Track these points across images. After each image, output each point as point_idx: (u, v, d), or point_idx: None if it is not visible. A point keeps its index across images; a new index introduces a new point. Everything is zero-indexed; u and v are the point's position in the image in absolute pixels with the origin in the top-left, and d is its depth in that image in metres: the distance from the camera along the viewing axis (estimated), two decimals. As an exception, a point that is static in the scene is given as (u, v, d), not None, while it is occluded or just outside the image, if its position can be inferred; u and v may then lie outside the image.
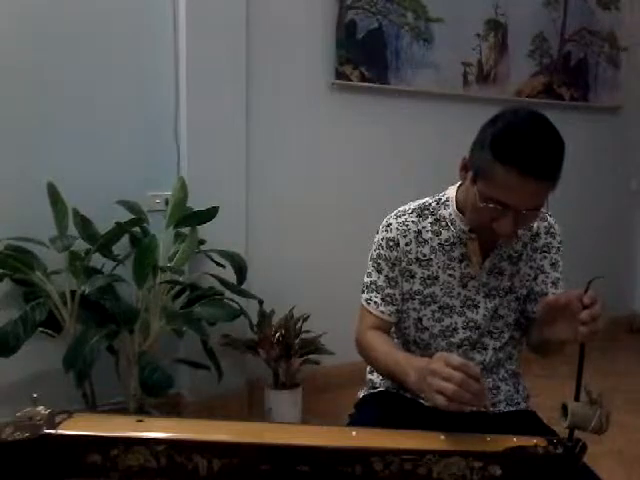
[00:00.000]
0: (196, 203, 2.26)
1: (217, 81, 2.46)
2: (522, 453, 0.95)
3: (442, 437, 1.00)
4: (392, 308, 1.39)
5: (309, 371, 2.53)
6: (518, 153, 1.13)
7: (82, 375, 1.91)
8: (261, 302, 2.42)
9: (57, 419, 0.96)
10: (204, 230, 2.25)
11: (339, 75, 2.76)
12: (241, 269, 2.32)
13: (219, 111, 2.46)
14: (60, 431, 0.94)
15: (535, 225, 1.39)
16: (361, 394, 1.54)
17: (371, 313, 1.40)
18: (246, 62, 2.52)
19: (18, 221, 2.15)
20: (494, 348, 1.40)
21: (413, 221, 1.38)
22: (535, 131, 1.16)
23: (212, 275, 2.31)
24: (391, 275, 1.38)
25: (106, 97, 2.33)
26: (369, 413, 1.44)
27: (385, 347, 1.32)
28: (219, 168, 2.48)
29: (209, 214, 2.18)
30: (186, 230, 2.23)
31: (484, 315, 1.38)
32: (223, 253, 2.32)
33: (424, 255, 1.37)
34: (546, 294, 1.39)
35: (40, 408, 0.97)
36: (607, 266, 3.57)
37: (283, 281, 2.64)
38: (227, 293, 2.29)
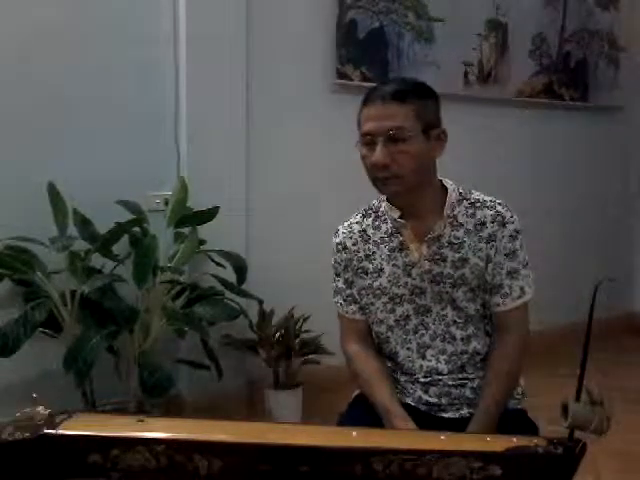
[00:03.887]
0: (196, 203, 2.25)
1: (217, 81, 2.46)
2: (522, 453, 0.95)
3: (442, 437, 1.00)
4: (354, 307, 1.49)
5: (309, 371, 2.53)
6: (372, 91, 1.37)
7: (82, 375, 1.91)
8: (261, 302, 2.42)
9: (57, 419, 0.96)
10: (204, 230, 2.25)
11: (340, 75, 2.76)
12: (241, 269, 2.32)
13: (219, 111, 2.46)
14: (60, 431, 0.94)
15: (480, 214, 1.38)
16: (355, 393, 1.55)
17: (340, 314, 1.52)
18: (246, 62, 2.52)
19: (18, 221, 2.15)
20: (462, 338, 1.41)
21: (357, 222, 1.49)
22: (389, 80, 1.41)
23: (212, 275, 2.30)
24: (346, 276, 1.48)
25: (106, 97, 2.33)
26: (359, 412, 1.45)
27: (372, 387, 1.41)
28: (219, 168, 2.48)
29: (209, 214, 2.18)
30: (186, 230, 2.23)
31: (431, 298, 1.41)
32: (223, 253, 2.32)
33: (370, 250, 1.44)
34: (501, 285, 1.38)
35: (40, 408, 0.97)
36: (607, 266, 3.57)
37: (283, 281, 2.63)
38: (227, 293, 2.29)
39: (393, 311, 1.42)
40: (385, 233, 1.43)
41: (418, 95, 1.34)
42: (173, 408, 2.42)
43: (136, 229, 2.21)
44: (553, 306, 2.95)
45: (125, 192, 2.28)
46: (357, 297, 1.47)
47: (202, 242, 2.30)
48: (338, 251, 1.48)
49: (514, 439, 0.98)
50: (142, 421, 1.01)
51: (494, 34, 3.18)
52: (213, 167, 2.47)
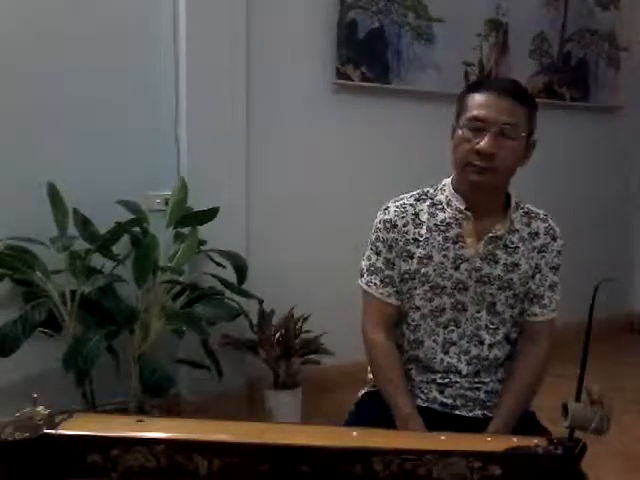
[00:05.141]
0: (196, 203, 2.25)
1: (217, 81, 2.45)
2: (522, 453, 0.95)
3: (442, 437, 1.00)
4: (391, 289, 1.44)
5: (309, 371, 2.53)
6: (485, 81, 1.35)
7: (82, 375, 1.91)
8: (261, 302, 2.42)
9: (57, 419, 0.96)
10: (204, 230, 2.25)
11: (340, 75, 2.75)
12: (241, 269, 2.32)
13: (219, 111, 2.46)
14: (60, 431, 0.94)
15: (535, 224, 1.42)
16: (361, 392, 1.55)
17: (372, 296, 1.45)
18: (246, 62, 2.51)
19: (18, 221, 2.15)
20: (489, 344, 1.42)
21: (411, 204, 1.44)
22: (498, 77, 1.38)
23: (212, 275, 2.30)
24: (388, 257, 1.43)
25: (106, 97, 2.33)
26: (369, 411, 1.45)
27: (392, 384, 1.40)
28: (219, 168, 2.47)
29: (209, 214, 2.18)
30: (186, 230, 2.23)
31: (472, 298, 1.40)
32: (223, 253, 2.31)
33: (421, 235, 1.41)
34: (542, 296, 1.42)
35: (40, 408, 0.97)
36: (607, 266, 3.57)
37: (283, 281, 2.63)
38: (227, 293, 2.29)
39: (431, 300, 1.41)
40: (442, 222, 1.40)
41: (529, 100, 1.37)
42: (173, 408, 2.42)
43: (136, 229, 2.21)
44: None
45: (125, 192, 2.28)
46: (396, 280, 1.43)
47: (202, 242, 2.30)
48: (386, 229, 1.42)
49: (514, 439, 0.98)
50: (142, 421, 1.01)
51: (494, 34, 3.17)
52: (213, 167, 2.46)
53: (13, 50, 2.18)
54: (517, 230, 1.41)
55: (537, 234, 1.42)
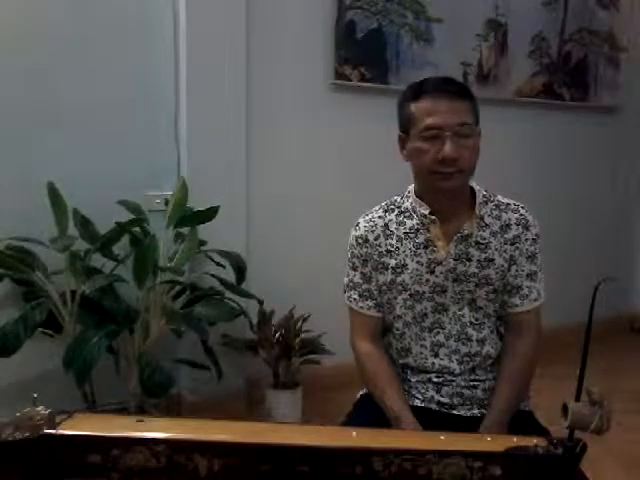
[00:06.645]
0: (196, 203, 2.25)
1: (217, 81, 2.46)
2: (522, 453, 0.95)
3: (442, 437, 1.00)
4: (370, 302, 1.46)
5: (309, 371, 2.53)
6: (425, 86, 1.35)
7: (82, 375, 1.91)
8: (261, 302, 2.42)
9: (57, 419, 0.96)
10: (204, 230, 2.25)
11: (339, 75, 2.75)
12: (241, 269, 2.32)
13: (219, 111, 2.46)
14: (60, 431, 0.94)
15: (505, 216, 1.41)
16: (360, 394, 1.55)
17: (354, 310, 1.48)
18: (246, 62, 2.52)
19: (18, 221, 2.15)
20: (477, 340, 1.42)
21: (380, 216, 1.46)
22: (434, 76, 1.41)
23: (212, 275, 2.31)
24: (364, 271, 1.46)
25: (106, 97, 2.33)
26: (367, 413, 1.45)
27: (379, 390, 1.41)
28: (219, 168, 2.48)
29: (209, 214, 2.18)
30: (186, 230, 2.23)
31: (451, 297, 1.41)
32: (223, 253, 2.32)
33: (392, 246, 1.42)
34: (520, 287, 1.42)
35: (40, 408, 0.97)
36: (607, 266, 3.57)
37: (283, 281, 2.63)
38: (227, 293, 2.29)
39: (412, 307, 1.42)
40: (410, 229, 1.42)
41: (470, 94, 1.37)
42: (173, 408, 2.43)
43: (136, 229, 2.21)
44: (552, 306, 2.95)
45: (125, 192, 2.28)
46: (374, 292, 1.46)
47: (202, 242, 2.30)
48: (358, 244, 1.45)
49: (514, 439, 0.98)
50: (142, 421, 1.01)
51: (493, 34, 3.17)
52: (213, 167, 2.46)
53: (13, 50, 2.18)
54: (488, 225, 1.40)
55: (509, 226, 1.40)
